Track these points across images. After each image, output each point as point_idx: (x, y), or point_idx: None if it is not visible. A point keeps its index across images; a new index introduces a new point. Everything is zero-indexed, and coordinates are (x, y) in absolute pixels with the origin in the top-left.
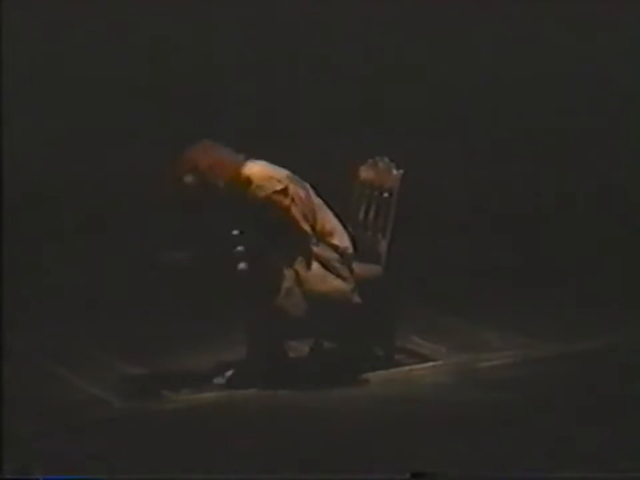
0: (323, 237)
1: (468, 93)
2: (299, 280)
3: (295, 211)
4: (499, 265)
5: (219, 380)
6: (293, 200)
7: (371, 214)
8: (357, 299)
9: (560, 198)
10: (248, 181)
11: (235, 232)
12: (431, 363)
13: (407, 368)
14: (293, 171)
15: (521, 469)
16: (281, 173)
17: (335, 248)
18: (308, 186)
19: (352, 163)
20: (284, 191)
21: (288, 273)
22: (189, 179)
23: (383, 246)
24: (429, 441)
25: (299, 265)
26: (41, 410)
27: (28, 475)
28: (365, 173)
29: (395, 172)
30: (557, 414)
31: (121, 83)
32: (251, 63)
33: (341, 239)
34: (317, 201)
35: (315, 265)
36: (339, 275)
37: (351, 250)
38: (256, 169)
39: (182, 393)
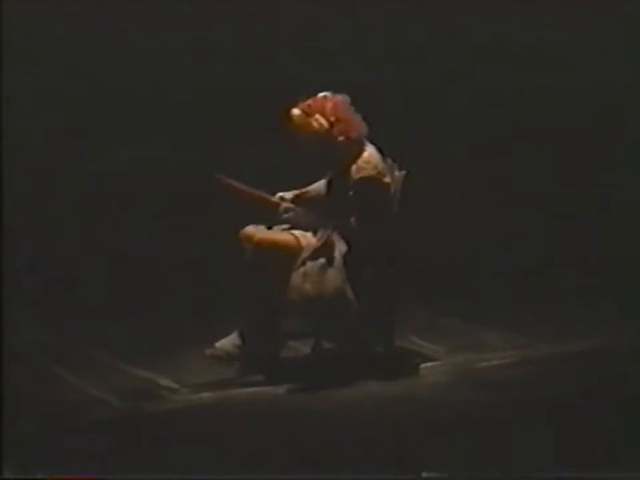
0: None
1: (470, 94)
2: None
3: (382, 209)
4: (498, 265)
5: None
6: (385, 198)
7: None
8: (349, 293)
9: (560, 198)
10: (360, 152)
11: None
12: (430, 363)
13: (406, 368)
14: (293, 171)
15: (521, 469)
16: (383, 163)
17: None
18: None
19: None
20: (387, 185)
21: (299, 270)
22: (316, 120)
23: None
24: (428, 441)
25: (308, 261)
26: (40, 410)
27: (28, 475)
28: None
29: (397, 173)
30: (557, 414)
31: (120, 83)
32: (250, 63)
33: None
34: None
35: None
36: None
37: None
38: (372, 150)
39: (182, 392)
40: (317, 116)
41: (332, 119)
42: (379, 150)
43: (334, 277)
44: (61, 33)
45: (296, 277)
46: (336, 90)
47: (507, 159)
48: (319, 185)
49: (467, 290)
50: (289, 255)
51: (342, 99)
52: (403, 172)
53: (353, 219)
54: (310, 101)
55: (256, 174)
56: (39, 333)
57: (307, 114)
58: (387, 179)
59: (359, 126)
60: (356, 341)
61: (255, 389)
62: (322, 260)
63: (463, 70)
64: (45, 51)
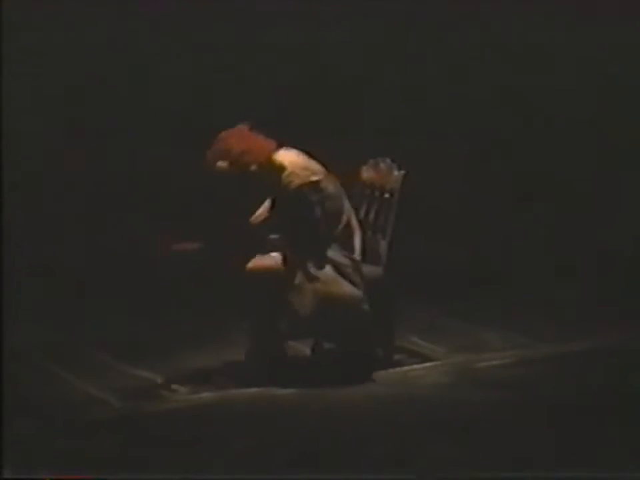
0: (343, 238)
1: (469, 94)
2: (309, 278)
3: (325, 208)
4: (498, 265)
5: (218, 379)
6: (323, 195)
7: (372, 214)
8: (366, 306)
9: (560, 198)
10: (281, 167)
11: (273, 236)
12: (430, 363)
13: (406, 368)
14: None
15: (521, 469)
16: (317, 166)
17: (352, 251)
18: (340, 185)
19: (353, 163)
20: (316, 184)
21: (301, 270)
22: (222, 162)
23: (383, 246)
24: (428, 441)
25: (312, 263)
26: (41, 410)
27: (28, 475)
28: (366, 173)
29: (396, 173)
30: (557, 414)
31: (120, 83)
32: (251, 63)
33: (357, 244)
34: (346, 204)
35: (328, 267)
36: (351, 281)
37: (361, 258)
38: (291, 156)
39: (182, 392)
40: (219, 163)
41: (234, 156)
42: (303, 150)
43: (341, 283)
44: (60, 33)
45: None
46: (337, 90)
47: (507, 159)
48: (265, 207)
49: (467, 290)
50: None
51: (237, 130)
52: (402, 172)
53: (291, 234)
54: (214, 147)
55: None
56: (39, 333)
57: (216, 160)
58: (315, 177)
59: (264, 148)
60: (353, 339)
61: (255, 389)
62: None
63: (463, 70)
64: (44, 51)
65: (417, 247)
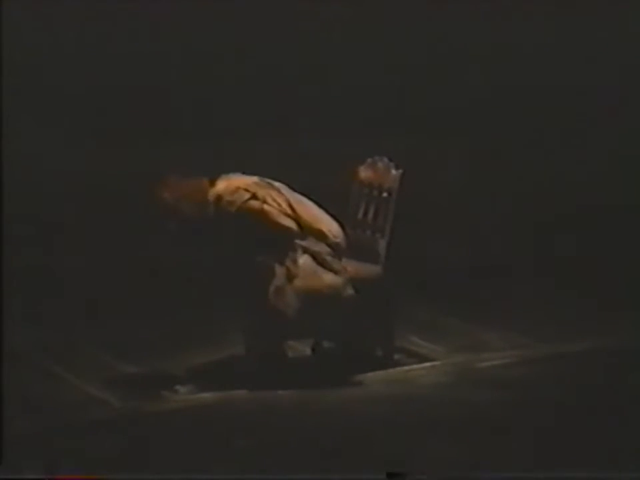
0: (309, 227)
1: (468, 93)
2: (290, 277)
3: (270, 211)
4: (498, 265)
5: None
6: (265, 202)
7: (370, 214)
8: (349, 291)
9: (559, 198)
10: (218, 198)
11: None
12: (430, 363)
13: (406, 368)
14: (293, 171)
15: (521, 469)
16: (247, 180)
17: (323, 236)
18: (279, 185)
19: (351, 162)
20: (253, 197)
21: (279, 271)
22: (165, 212)
23: (382, 245)
24: (428, 440)
25: (289, 262)
26: (40, 410)
27: (28, 475)
28: (364, 172)
29: (394, 172)
30: (557, 414)
31: (120, 83)
32: (251, 63)
33: (330, 226)
34: (295, 196)
35: (306, 260)
36: (330, 269)
37: (340, 239)
38: (221, 185)
39: (182, 393)
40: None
41: (171, 201)
42: (238, 170)
43: (319, 274)
44: (60, 33)
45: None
46: (336, 90)
47: (507, 158)
48: None
49: (466, 290)
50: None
51: (166, 181)
52: (400, 171)
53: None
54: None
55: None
56: (39, 333)
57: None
58: (247, 195)
59: (191, 189)
60: (352, 339)
61: (254, 389)
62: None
63: (462, 70)
64: (44, 51)
65: (416, 246)
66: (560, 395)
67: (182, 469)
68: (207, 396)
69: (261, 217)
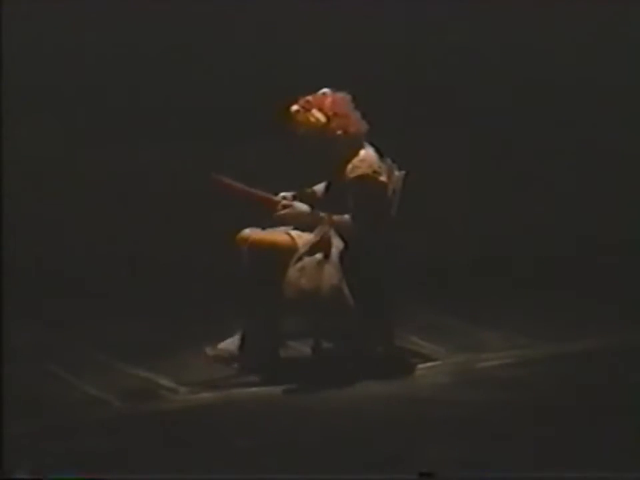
0: None
1: (470, 94)
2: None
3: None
4: (498, 265)
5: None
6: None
7: None
8: (345, 290)
9: (559, 198)
10: (356, 152)
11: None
12: (430, 363)
13: (406, 368)
14: (293, 171)
15: (521, 469)
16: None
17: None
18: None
19: None
20: (383, 185)
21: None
22: (316, 112)
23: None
24: (428, 441)
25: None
26: (40, 410)
27: (28, 475)
28: None
29: (397, 173)
30: (557, 414)
31: (120, 82)
32: (250, 63)
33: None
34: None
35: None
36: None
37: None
38: (368, 152)
39: (182, 393)
40: (314, 111)
41: (330, 113)
42: (377, 150)
43: (330, 273)
44: (60, 33)
45: (292, 272)
46: (336, 90)
47: (507, 158)
48: (319, 187)
49: (466, 290)
50: (285, 254)
51: (342, 95)
52: (403, 172)
53: (347, 216)
54: (309, 97)
55: (256, 174)
56: (39, 333)
57: (305, 109)
58: (383, 178)
59: (357, 122)
60: (352, 339)
61: (255, 389)
62: (319, 256)
63: (464, 69)
64: (44, 51)
65: (417, 246)
66: (560, 395)
67: (182, 468)
68: (207, 396)
69: (365, 200)
